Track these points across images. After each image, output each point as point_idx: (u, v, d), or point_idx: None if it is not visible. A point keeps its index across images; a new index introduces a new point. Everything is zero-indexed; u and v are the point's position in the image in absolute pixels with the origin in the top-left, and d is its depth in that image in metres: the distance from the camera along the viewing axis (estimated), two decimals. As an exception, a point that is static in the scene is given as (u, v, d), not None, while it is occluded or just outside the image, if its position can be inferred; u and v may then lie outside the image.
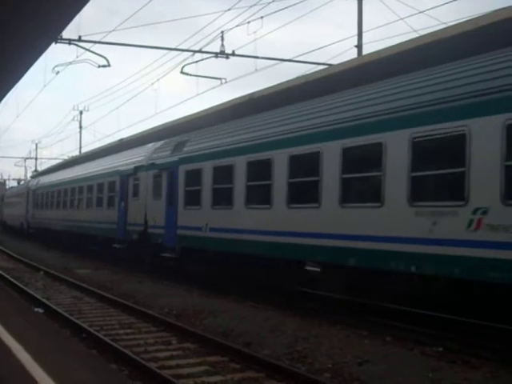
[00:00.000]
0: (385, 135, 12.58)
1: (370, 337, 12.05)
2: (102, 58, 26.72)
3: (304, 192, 15.08)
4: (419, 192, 11.78)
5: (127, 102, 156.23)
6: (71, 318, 14.48)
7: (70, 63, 29.64)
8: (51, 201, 41.49)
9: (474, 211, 10.60)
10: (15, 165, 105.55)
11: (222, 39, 25.79)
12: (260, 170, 16.64)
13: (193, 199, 20.13)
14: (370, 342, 11.66)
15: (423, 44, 15.84)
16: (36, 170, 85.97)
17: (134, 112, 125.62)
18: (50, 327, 12.82)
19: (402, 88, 12.91)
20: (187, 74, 27.71)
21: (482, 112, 10.65)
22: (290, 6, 24.49)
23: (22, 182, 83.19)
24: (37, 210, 45.90)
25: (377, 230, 12.60)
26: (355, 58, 22.08)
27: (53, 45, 20.12)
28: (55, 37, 18.14)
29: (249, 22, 25.65)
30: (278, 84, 22.54)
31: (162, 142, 25.25)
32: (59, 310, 15.42)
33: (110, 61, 26.56)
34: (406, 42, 17.03)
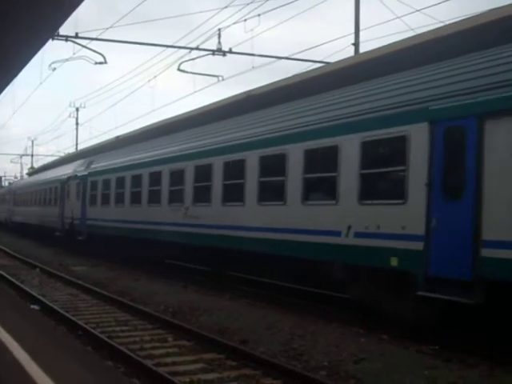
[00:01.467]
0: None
1: (366, 335, 12.06)
2: (98, 55, 26.73)
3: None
4: (173, 196, 21.70)
5: (124, 99, 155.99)
6: (67, 315, 14.46)
7: (67, 60, 29.62)
8: (22, 200, 52.06)
9: (185, 208, 20.40)
10: (11, 161, 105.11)
11: (219, 36, 25.77)
12: (120, 183, 27.01)
13: (93, 200, 30.47)
14: (366, 339, 11.67)
15: (420, 42, 15.87)
16: (32, 167, 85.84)
17: (130, 109, 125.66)
18: (46, 324, 12.81)
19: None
20: (184, 71, 27.70)
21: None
22: (287, 3, 24.40)
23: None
24: (15, 207, 55.68)
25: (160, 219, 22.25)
26: (352, 56, 22.08)
27: (49, 41, 20.10)
28: (52, 33, 18.10)
29: (246, 20, 25.63)
30: (276, 81, 22.56)
31: (83, 160, 36.12)
32: (55, 307, 15.41)
33: (106, 58, 26.56)
34: (402, 40, 17.05)
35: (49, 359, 8.42)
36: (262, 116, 17.98)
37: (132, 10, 75.50)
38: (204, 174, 19.53)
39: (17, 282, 20.33)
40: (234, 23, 26.21)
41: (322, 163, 14.46)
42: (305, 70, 22.81)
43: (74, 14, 12.92)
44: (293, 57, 28.47)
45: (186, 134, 23.40)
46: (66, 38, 24.44)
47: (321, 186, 14.82)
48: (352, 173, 13.10)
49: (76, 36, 24.73)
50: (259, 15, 26.85)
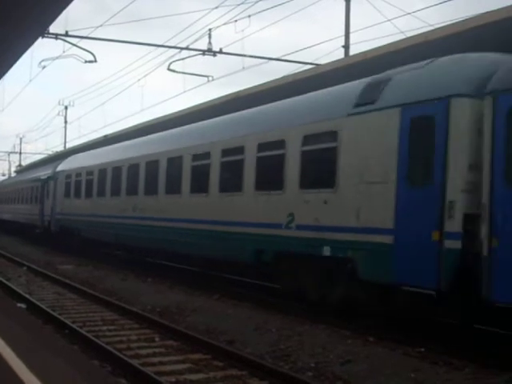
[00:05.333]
0: None
1: (353, 336, 12.07)
2: (88, 54, 26.65)
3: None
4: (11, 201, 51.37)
5: (113, 97, 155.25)
6: (54, 313, 14.43)
7: (57, 58, 29.54)
8: None
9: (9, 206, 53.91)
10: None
11: (210, 37, 25.77)
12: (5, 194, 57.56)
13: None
14: (353, 341, 11.68)
15: (409, 45, 15.92)
16: (20, 165, 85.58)
17: (119, 108, 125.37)
18: (32, 323, 12.77)
19: None
20: (174, 71, 27.68)
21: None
22: (278, 5, 24.47)
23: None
24: None
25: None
26: (342, 58, 22.14)
27: (39, 39, 20.06)
28: (42, 31, 18.05)
29: (236, 21, 25.67)
30: (266, 82, 22.57)
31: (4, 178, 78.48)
32: (42, 306, 15.37)
33: (96, 56, 26.50)
34: (392, 43, 17.10)
35: (35, 358, 8.39)
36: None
37: (123, 9, 75.42)
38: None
39: (3, 280, 20.25)
40: (225, 24, 26.25)
41: None
42: (295, 72, 22.84)
43: (65, 12, 12.89)
44: (283, 58, 28.49)
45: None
46: (56, 36, 24.37)
47: None
48: None
49: (66, 34, 24.66)
50: (250, 16, 26.80)
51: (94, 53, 26.48)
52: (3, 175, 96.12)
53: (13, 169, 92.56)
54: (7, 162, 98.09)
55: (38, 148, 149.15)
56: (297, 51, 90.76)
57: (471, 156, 10.43)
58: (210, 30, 25.74)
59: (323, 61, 27.24)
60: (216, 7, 31.78)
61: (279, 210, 14.50)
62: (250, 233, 15.58)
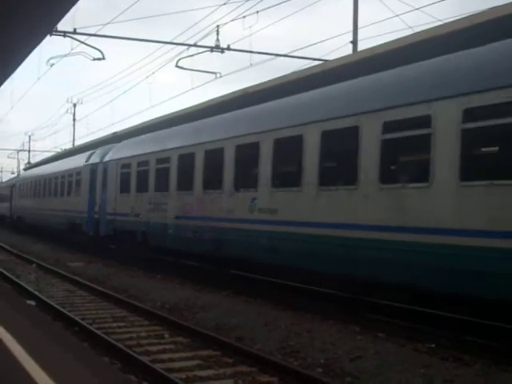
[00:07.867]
0: None
1: (363, 332, 12.05)
2: (96, 51, 26.72)
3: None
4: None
5: (122, 95, 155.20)
6: (63, 310, 14.47)
7: (65, 56, 29.65)
8: None
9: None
10: (8, 157, 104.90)
11: (218, 33, 25.76)
12: None
13: None
14: (363, 337, 11.67)
15: (418, 41, 15.87)
16: (29, 163, 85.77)
17: (128, 105, 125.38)
18: (42, 320, 12.79)
19: None
20: (182, 67, 27.68)
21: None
22: (286, 0, 24.38)
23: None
24: None
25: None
26: (350, 54, 22.10)
27: (48, 37, 20.10)
28: (50, 29, 18.08)
29: (244, 17, 25.63)
30: (273, 79, 22.55)
31: None
32: (51, 303, 15.41)
33: (104, 54, 26.55)
34: (400, 38, 17.05)
35: (45, 355, 8.41)
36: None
37: (131, 6, 75.21)
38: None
39: (13, 278, 20.33)
40: (233, 20, 26.20)
41: None
42: (302, 68, 22.81)
43: (73, 9, 12.92)
44: (291, 54, 28.43)
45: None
46: (64, 34, 24.41)
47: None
48: None
49: (74, 32, 24.71)
50: (258, 12, 26.76)
51: (102, 50, 26.60)
52: (12, 173, 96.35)
53: (22, 167, 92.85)
54: (16, 160, 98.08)
55: (47, 146, 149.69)
56: (305, 47, 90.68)
57: (103, 183, 27.64)
58: (217, 26, 25.75)
59: (331, 57, 27.19)
60: (224, 3, 31.64)
61: (77, 204, 31.82)
62: (67, 214, 33.53)
